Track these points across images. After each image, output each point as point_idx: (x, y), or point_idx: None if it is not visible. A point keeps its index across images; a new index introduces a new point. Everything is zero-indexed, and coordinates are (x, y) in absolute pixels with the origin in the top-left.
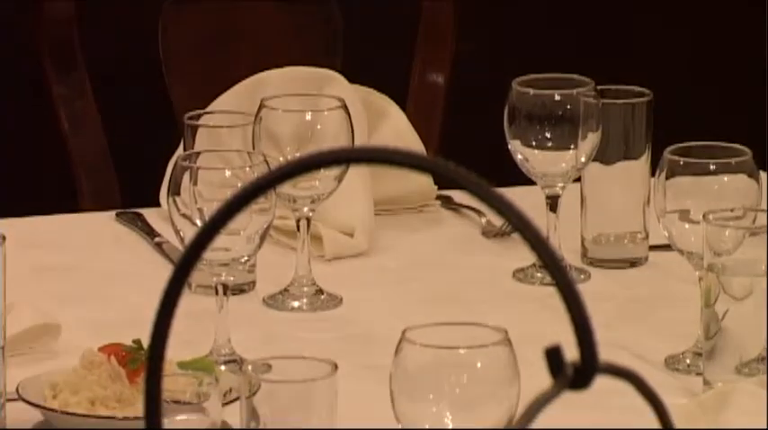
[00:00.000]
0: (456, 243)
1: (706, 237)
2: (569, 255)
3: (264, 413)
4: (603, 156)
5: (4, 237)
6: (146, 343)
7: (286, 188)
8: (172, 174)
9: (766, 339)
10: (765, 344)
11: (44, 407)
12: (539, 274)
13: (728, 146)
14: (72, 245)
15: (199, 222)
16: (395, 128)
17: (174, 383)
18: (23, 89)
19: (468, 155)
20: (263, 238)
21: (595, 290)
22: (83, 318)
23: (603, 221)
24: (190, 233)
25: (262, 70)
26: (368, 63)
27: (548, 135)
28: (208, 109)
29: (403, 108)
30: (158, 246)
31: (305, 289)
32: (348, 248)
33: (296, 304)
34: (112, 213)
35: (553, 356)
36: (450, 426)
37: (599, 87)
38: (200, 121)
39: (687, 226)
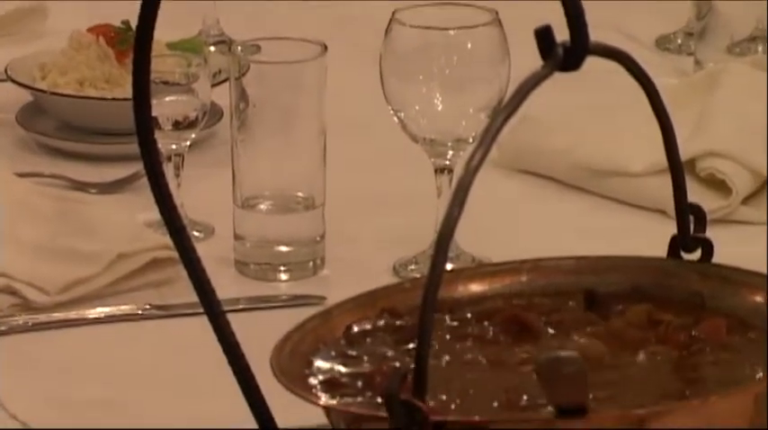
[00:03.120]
0: None
1: None
2: None
3: (253, 93)
4: None
5: None
6: (135, 23)
7: None
8: None
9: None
10: (756, 23)
11: (33, 88)
12: None
13: None
14: None
15: None
16: None
17: (162, 64)
18: None
19: None
20: None
21: None
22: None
23: None
24: None
25: None
26: None
27: None
28: None
29: None
30: None
31: None
32: None
33: None
34: None
35: (543, 37)
36: (440, 107)
37: None
38: None
39: None
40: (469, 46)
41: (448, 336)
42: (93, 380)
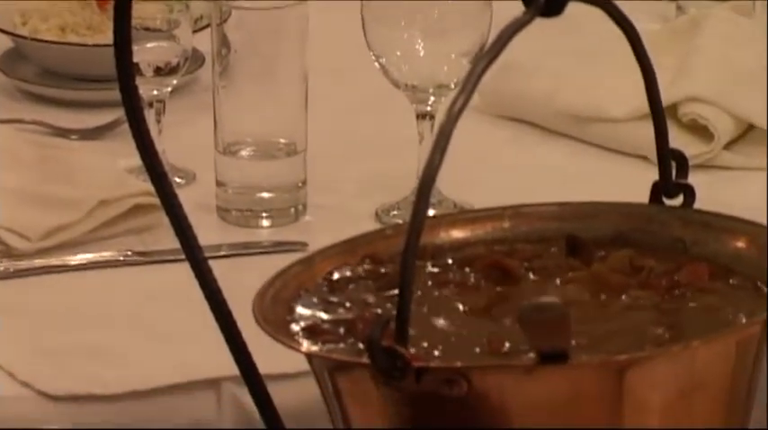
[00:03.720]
0: None
1: None
2: None
3: (235, 39)
4: None
5: None
6: None
7: None
8: None
9: None
10: None
11: (14, 34)
12: None
13: None
14: None
15: None
16: None
17: (144, 10)
18: None
19: None
20: None
21: None
22: None
23: None
24: None
25: None
26: None
27: None
28: None
29: None
30: None
31: None
32: None
33: None
34: None
35: None
36: (422, 53)
37: None
38: None
39: None
40: None
41: (429, 283)
42: (75, 326)
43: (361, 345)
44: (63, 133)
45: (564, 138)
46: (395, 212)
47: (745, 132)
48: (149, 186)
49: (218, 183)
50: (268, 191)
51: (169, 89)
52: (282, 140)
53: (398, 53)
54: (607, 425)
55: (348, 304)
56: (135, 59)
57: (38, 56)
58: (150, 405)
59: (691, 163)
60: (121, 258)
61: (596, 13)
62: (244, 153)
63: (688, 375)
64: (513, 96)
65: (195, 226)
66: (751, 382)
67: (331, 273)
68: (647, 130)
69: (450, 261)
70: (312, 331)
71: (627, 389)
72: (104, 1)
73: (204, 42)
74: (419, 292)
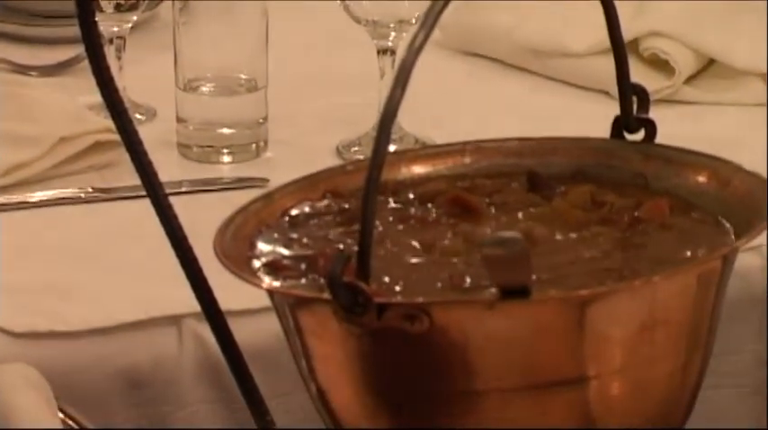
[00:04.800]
0: None
1: None
2: None
3: None
4: None
5: None
6: None
7: None
8: None
9: None
10: None
11: None
12: None
13: None
14: None
15: None
16: None
17: None
18: None
19: None
20: None
21: None
22: None
23: None
24: None
25: None
26: None
27: None
28: None
29: None
30: None
31: None
32: None
33: None
34: None
35: None
36: None
37: None
38: None
39: None
40: None
41: (391, 218)
42: (36, 263)
43: (322, 281)
44: (22, 70)
45: (525, 73)
46: (356, 148)
47: (707, 67)
48: (110, 123)
49: (179, 120)
50: (229, 127)
51: (129, 25)
52: (243, 76)
53: None
54: (569, 360)
55: (309, 240)
56: None
57: None
58: (112, 341)
59: (652, 98)
60: (82, 195)
61: None
62: (204, 89)
63: (649, 310)
64: (475, 31)
65: (156, 162)
66: (712, 316)
67: (292, 209)
68: (608, 65)
69: (411, 196)
70: (273, 267)
71: (588, 323)
72: None
73: None
74: (380, 228)
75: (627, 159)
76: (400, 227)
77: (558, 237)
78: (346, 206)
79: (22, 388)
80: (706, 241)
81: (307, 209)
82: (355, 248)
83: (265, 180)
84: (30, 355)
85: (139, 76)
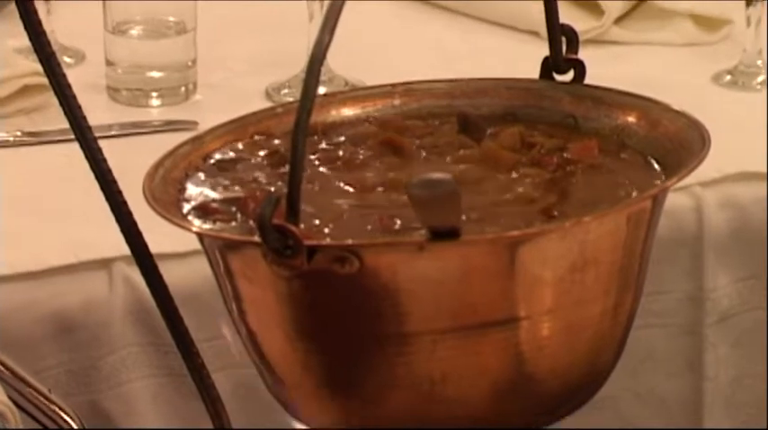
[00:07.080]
0: None
1: None
2: None
3: None
4: None
5: None
6: None
7: None
8: None
9: None
10: None
11: None
12: None
13: None
14: None
15: None
16: None
17: None
18: None
19: None
20: None
21: None
22: None
23: None
24: None
25: None
26: None
27: None
28: None
29: None
30: None
31: None
32: None
33: None
34: None
35: None
36: None
37: None
38: None
39: None
40: None
41: (319, 162)
42: None
43: (252, 224)
44: None
45: (455, 15)
46: (285, 90)
47: (635, 7)
48: (38, 66)
49: (108, 63)
50: (158, 70)
51: None
52: (172, 19)
53: None
54: (500, 301)
55: (239, 183)
56: None
57: None
58: (42, 285)
59: (581, 38)
60: (11, 139)
61: None
62: (133, 32)
63: (579, 250)
64: None
65: (85, 106)
66: (642, 257)
67: (221, 152)
68: (538, 6)
69: (342, 139)
70: (203, 210)
71: (519, 264)
72: None
73: None
74: (310, 170)
75: (556, 100)
76: (330, 169)
77: (489, 178)
78: (276, 148)
79: None
80: (636, 181)
81: (236, 152)
82: (285, 191)
83: (195, 123)
84: None
85: (68, 18)
